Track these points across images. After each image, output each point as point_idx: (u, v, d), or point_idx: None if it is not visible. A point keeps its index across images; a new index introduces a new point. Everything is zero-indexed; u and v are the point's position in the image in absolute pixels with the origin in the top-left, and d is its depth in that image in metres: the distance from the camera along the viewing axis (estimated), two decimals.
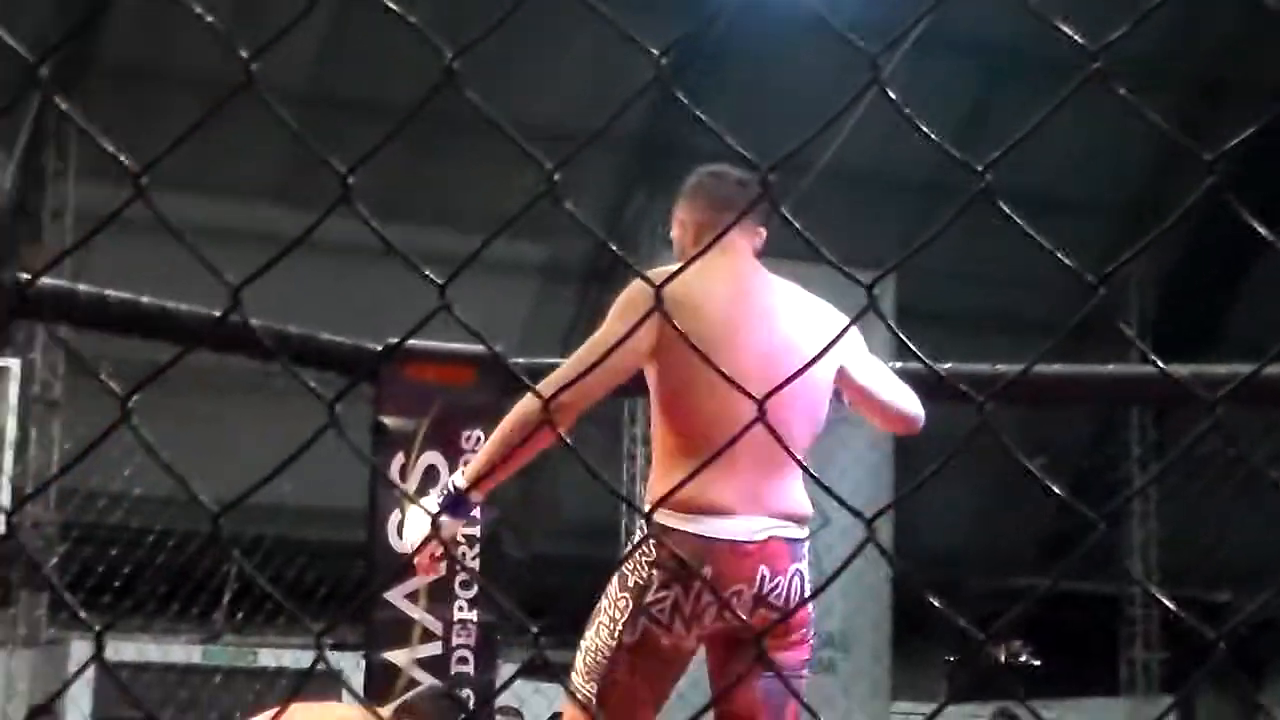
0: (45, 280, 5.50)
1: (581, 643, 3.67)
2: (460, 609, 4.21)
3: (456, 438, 5.56)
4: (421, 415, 5.58)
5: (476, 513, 4.22)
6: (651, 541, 3.52)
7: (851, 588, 13.09)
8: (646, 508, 3.71)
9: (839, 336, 1.86)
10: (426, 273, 1.38)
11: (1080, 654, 15.66)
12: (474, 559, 5.48)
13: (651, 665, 3.55)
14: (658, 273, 3.62)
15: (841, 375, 3.87)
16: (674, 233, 4.02)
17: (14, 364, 12.22)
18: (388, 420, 5.69)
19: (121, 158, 1.66)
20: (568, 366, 3.57)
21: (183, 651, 12.13)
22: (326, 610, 10.47)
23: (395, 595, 5.50)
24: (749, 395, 1.63)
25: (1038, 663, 16.22)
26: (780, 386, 1.89)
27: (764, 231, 4.01)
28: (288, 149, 12.88)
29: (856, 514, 1.44)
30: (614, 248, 1.73)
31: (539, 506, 13.35)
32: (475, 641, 5.64)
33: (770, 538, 3.55)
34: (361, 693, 5.46)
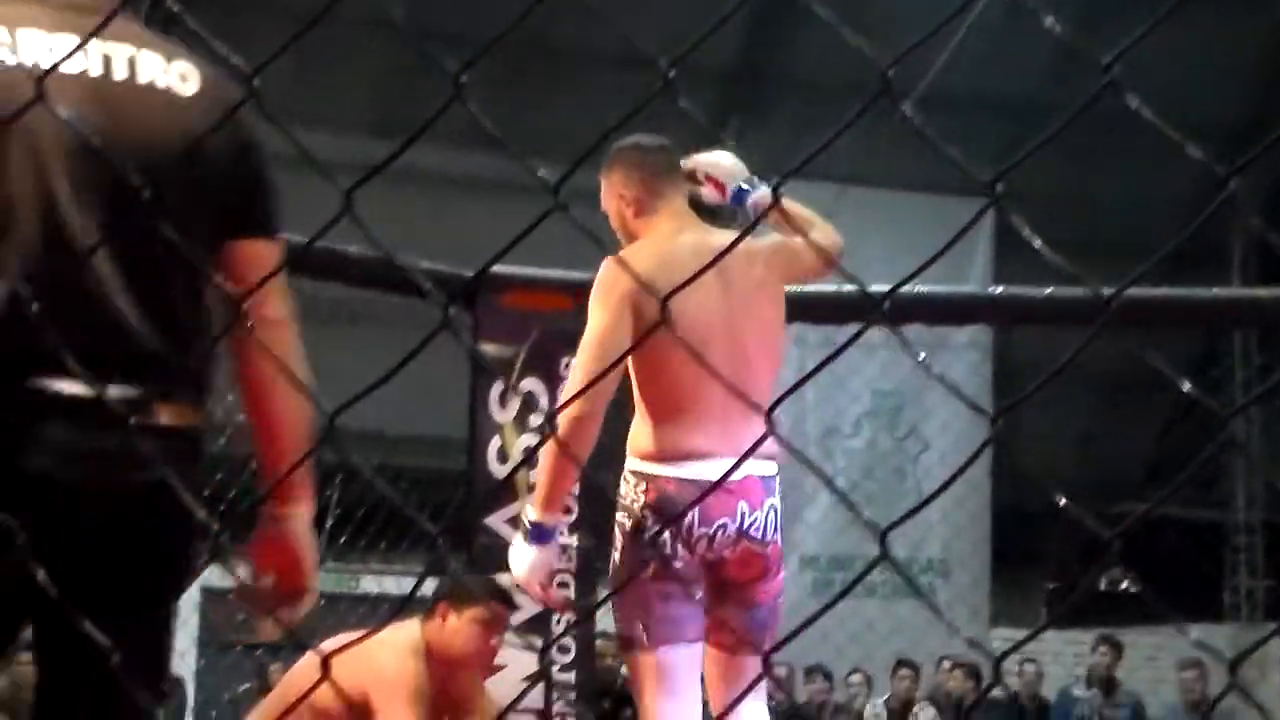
0: None
1: (611, 600, 4.06)
2: (560, 534, 4.24)
3: (555, 364, 5.58)
4: (520, 342, 5.60)
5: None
6: (641, 487, 3.81)
7: (951, 513, 13.06)
8: (629, 457, 3.90)
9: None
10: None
11: (1183, 581, 15.56)
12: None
13: (675, 589, 3.79)
14: (627, 254, 3.93)
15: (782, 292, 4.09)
16: (610, 207, 4.15)
17: None
18: (487, 347, 5.72)
19: (233, 59, 1.67)
20: (579, 377, 3.87)
21: None
22: (427, 538, 10.54)
23: (496, 520, 5.54)
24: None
25: (1140, 589, 16.12)
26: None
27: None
28: (384, 82, 12.92)
29: (872, 525, 1.45)
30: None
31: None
32: (576, 566, 5.68)
33: (747, 476, 3.81)
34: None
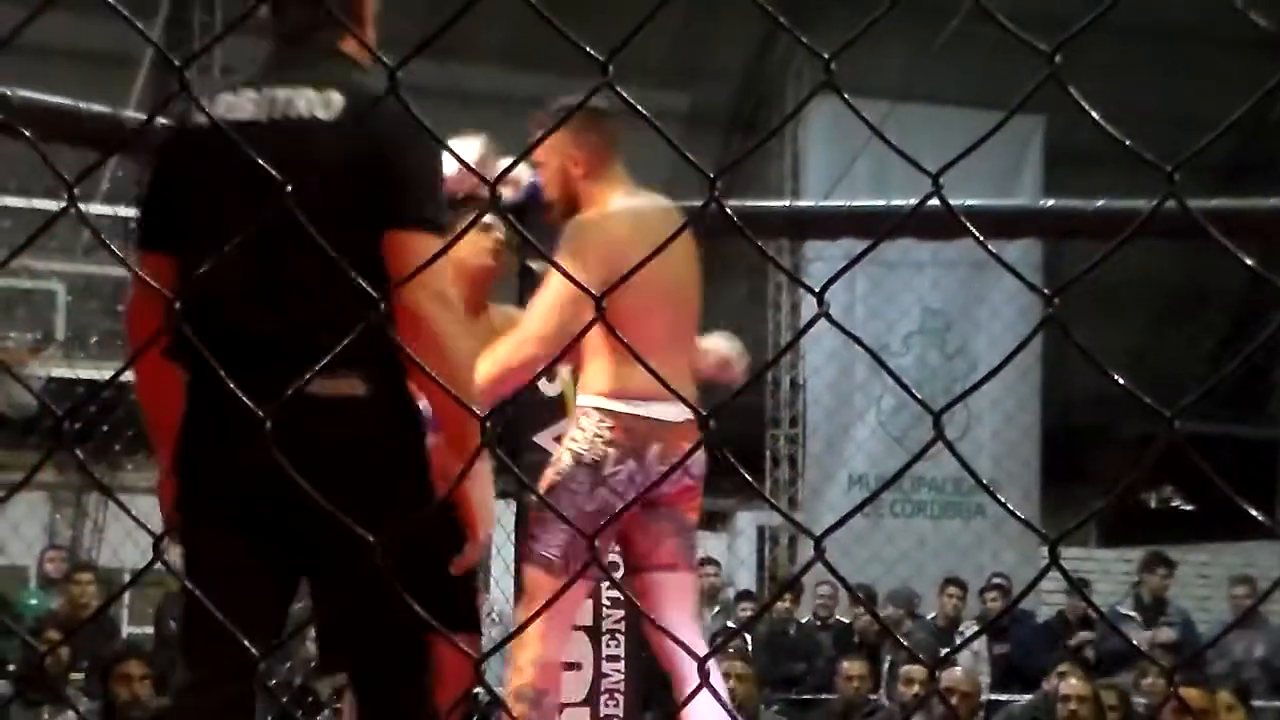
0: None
1: (535, 515, 4.33)
2: None
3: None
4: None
5: None
6: (607, 423, 4.10)
7: (1002, 430, 13.04)
8: (582, 395, 4.23)
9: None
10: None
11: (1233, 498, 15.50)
12: None
13: (607, 531, 4.04)
14: (597, 215, 4.15)
15: None
16: (551, 163, 4.32)
17: None
18: (535, 265, 5.72)
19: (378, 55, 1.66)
20: (548, 316, 4.03)
21: None
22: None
23: (544, 438, 5.55)
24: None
25: (1190, 507, 16.10)
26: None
27: None
28: (515, 12, 12.86)
29: (806, 532, 1.46)
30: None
31: None
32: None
33: (687, 417, 4.12)
34: (513, 536, 5.54)
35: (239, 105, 2.82)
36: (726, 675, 7.37)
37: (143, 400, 3.01)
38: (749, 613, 11.26)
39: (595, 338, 4.14)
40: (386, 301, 2.58)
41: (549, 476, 4.18)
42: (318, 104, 2.81)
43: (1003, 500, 1.59)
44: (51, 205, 10.52)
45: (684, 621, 4.29)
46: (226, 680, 2.75)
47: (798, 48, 14.75)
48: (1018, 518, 1.41)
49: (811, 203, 10.73)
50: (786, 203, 10.98)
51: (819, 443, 14.49)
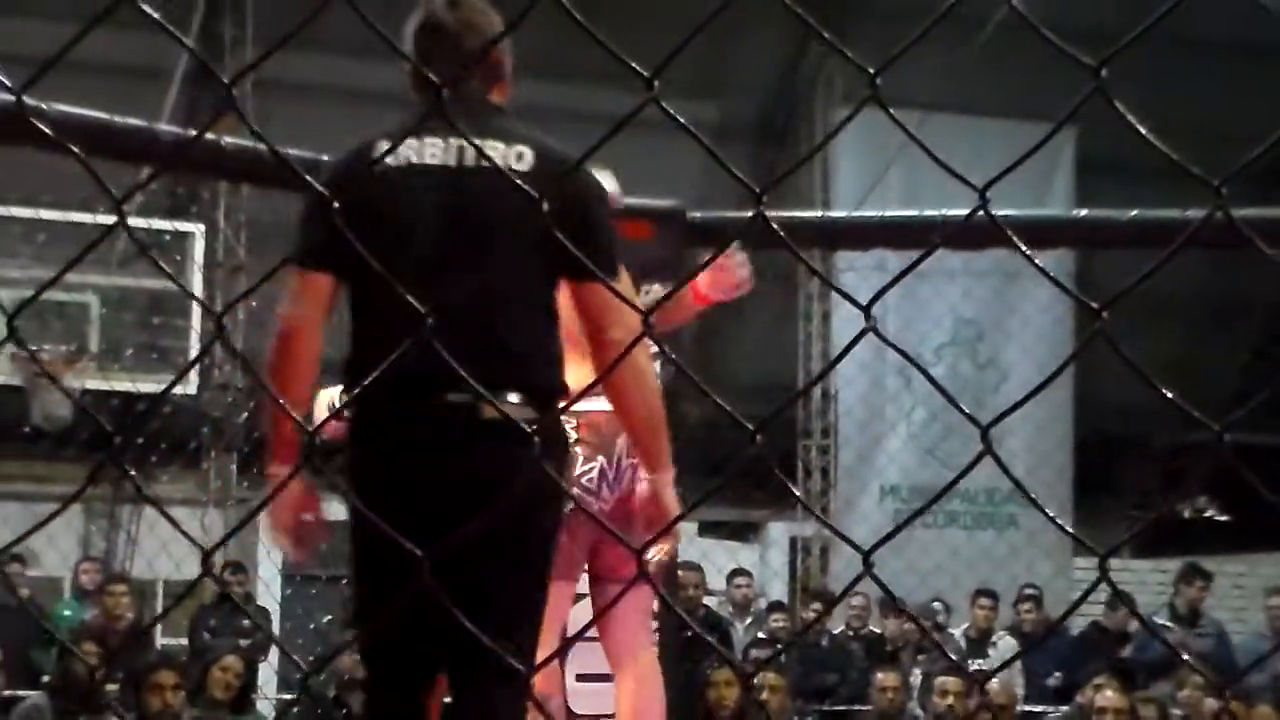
0: (229, 140, 5.55)
1: None
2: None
3: (635, 290, 5.55)
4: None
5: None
6: (572, 422, 4.04)
7: (1035, 441, 13.00)
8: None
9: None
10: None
11: (1270, 508, 15.40)
12: None
13: (583, 531, 4.04)
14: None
15: None
16: None
17: (198, 229, 12.50)
18: None
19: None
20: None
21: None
22: None
23: None
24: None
25: (1225, 518, 16.01)
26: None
27: None
28: (543, 22, 12.87)
29: (855, 546, 1.48)
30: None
31: (713, 367, 13.37)
32: None
33: None
34: None
35: (425, 150, 3.12)
36: (760, 686, 7.35)
37: (281, 403, 3.24)
38: (780, 624, 11.25)
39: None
40: (554, 336, 3.15)
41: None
42: (511, 157, 3.12)
43: (1052, 515, 1.59)
44: (86, 218, 10.56)
45: (643, 628, 4.36)
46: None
47: (827, 58, 14.74)
48: (1067, 532, 1.41)
49: (843, 213, 10.72)
50: (819, 213, 10.96)
51: (851, 454, 14.46)
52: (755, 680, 7.22)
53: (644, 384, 3.28)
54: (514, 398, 3.06)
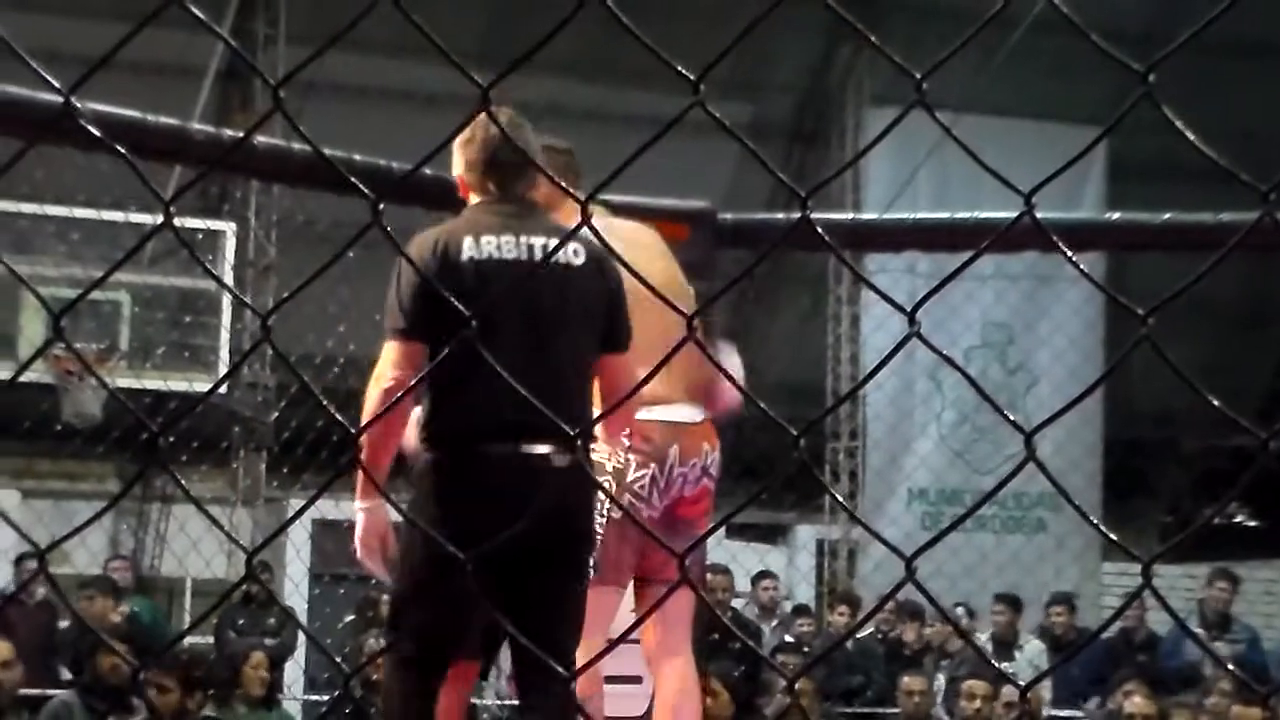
0: (261, 139, 5.56)
1: None
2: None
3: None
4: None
5: None
6: (625, 431, 4.19)
7: (1066, 445, 12.96)
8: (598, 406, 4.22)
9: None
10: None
11: None
12: None
13: (633, 535, 4.19)
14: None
15: None
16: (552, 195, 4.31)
17: (229, 228, 12.54)
18: None
19: None
20: None
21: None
22: None
23: None
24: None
25: (1255, 523, 15.96)
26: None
27: None
28: (490, 12, 12.91)
29: (897, 552, 1.47)
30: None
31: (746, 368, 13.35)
32: None
33: (704, 419, 4.35)
34: None
35: (502, 246, 3.85)
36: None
37: (382, 449, 3.87)
38: (806, 628, 11.24)
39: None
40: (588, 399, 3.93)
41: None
42: (569, 253, 3.90)
43: (1096, 523, 1.58)
44: (119, 216, 10.60)
45: (685, 630, 4.48)
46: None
47: (858, 59, 14.72)
48: (1111, 539, 1.40)
49: (875, 215, 10.70)
50: (850, 215, 10.95)
51: (879, 457, 14.43)
52: (783, 683, 7.21)
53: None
54: (564, 447, 3.74)
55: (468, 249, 3.85)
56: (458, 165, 4.02)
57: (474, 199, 4.00)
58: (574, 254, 3.91)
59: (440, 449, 3.84)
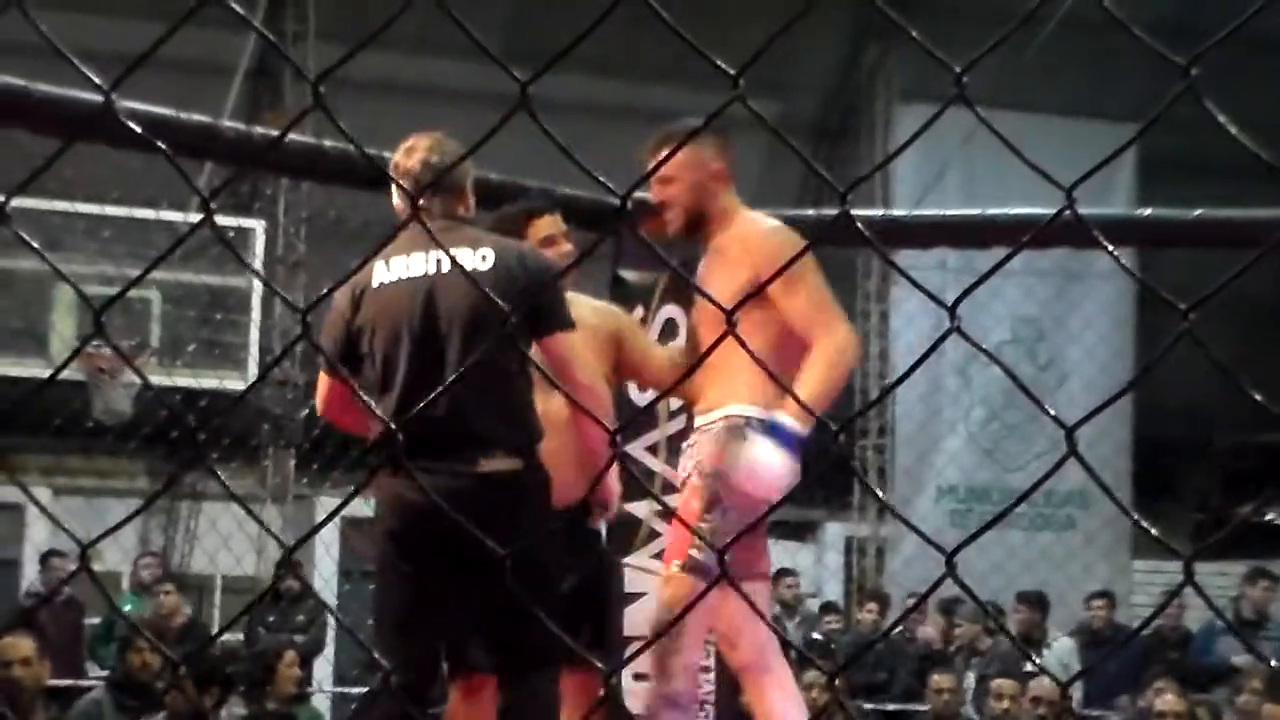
0: (292, 136, 5.58)
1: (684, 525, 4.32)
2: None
3: (693, 291, 5.55)
4: (660, 269, 5.57)
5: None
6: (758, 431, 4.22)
7: (1095, 443, 12.91)
8: (734, 404, 4.34)
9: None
10: None
11: None
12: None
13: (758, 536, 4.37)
14: (780, 226, 4.42)
15: None
16: (688, 176, 4.36)
17: (259, 225, 12.57)
18: (626, 274, 5.71)
19: None
20: (829, 305, 4.33)
21: None
22: None
23: (636, 448, 5.55)
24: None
25: None
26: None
27: None
28: (512, 9, 12.92)
29: (938, 548, 1.47)
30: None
31: None
32: None
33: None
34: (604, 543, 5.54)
35: (410, 265, 4.02)
36: (811, 685, 7.34)
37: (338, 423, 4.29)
38: (834, 625, 11.24)
39: (759, 350, 4.19)
40: (525, 391, 4.07)
41: (710, 488, 4.22)
42: (475, 259, 4.01)
43: (1136, 516, 1.57)
44: (149, 214, 10.63)
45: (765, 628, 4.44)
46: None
47: (887, 55, 14.69)
48: (1152, 534, 1.40)
49: (904, 211, 10.67)
50: (880, 211, 10.93)
51: (909, 454, 14.40)
52: (808, 679, 7.20)
53: (602, 412, 4.14)
54: (502, 454, 3.94)
55: (378, 275, 4.04)
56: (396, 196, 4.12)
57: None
58: (482, 259, 4.03)
59: (376, 472, 4.06)
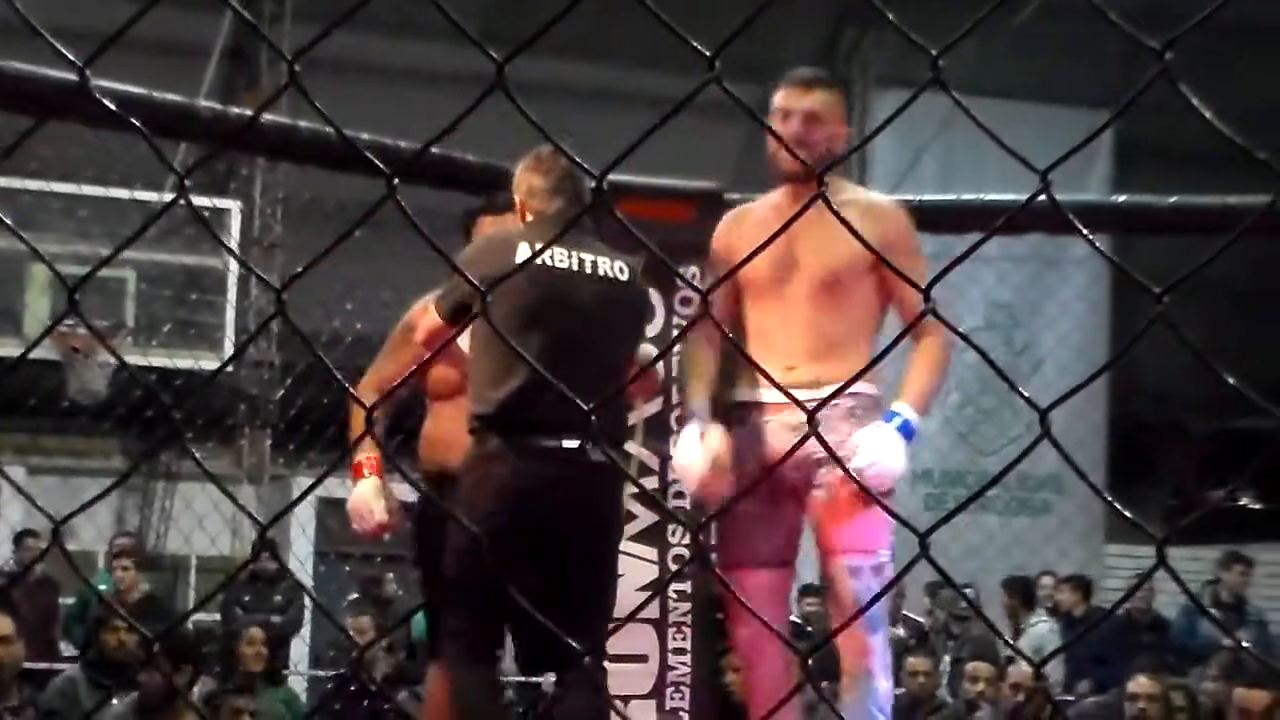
0: (268, 117, 5.56)
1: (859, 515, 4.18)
2: (676, 443, 4.25)
3: (672, 274, 5.55)
4: (638, 252, 5.56)
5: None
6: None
7: (1071, 426, 12.94)
8: (866, 383, 4.22)
9: None
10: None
11: None
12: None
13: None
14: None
15: None
16: (834, 130, 4.28)
17: (235, 206, 12.54)
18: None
19: None
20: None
21: (400, 488, 12.37)
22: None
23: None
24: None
25: (1260, 506, 15.94)
26: None
27: None
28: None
29: (911, 529, 1.47)
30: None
31: None
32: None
33: None
34: None
35: (556, 257, 4.19)
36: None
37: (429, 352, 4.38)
38: (812, 608, 11.25)
39: (867, 323, 4.19)
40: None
41: (875, 479, 4.04)
42: (615, 269, 4.27)
43: (1109, 498, 1.58)
44: (124, 193, 10.59)
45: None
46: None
47: (864, 41, 14.69)
48: (1127, 517, 1.40)
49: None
50: None
51: None
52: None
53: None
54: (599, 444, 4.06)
55: (522, 256, 4.12)
56: (520, 190, 4.32)
57: (529, 218, 4.31)
58: (619, 271, 4.27)
59: (498, 441, 4.09)
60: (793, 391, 3.91)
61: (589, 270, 4.22)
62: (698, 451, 4.06)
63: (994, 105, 12.91)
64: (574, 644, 3.70)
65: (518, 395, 4.01)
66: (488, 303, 3.73)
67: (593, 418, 3.72)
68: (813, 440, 3.91)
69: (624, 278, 4.26)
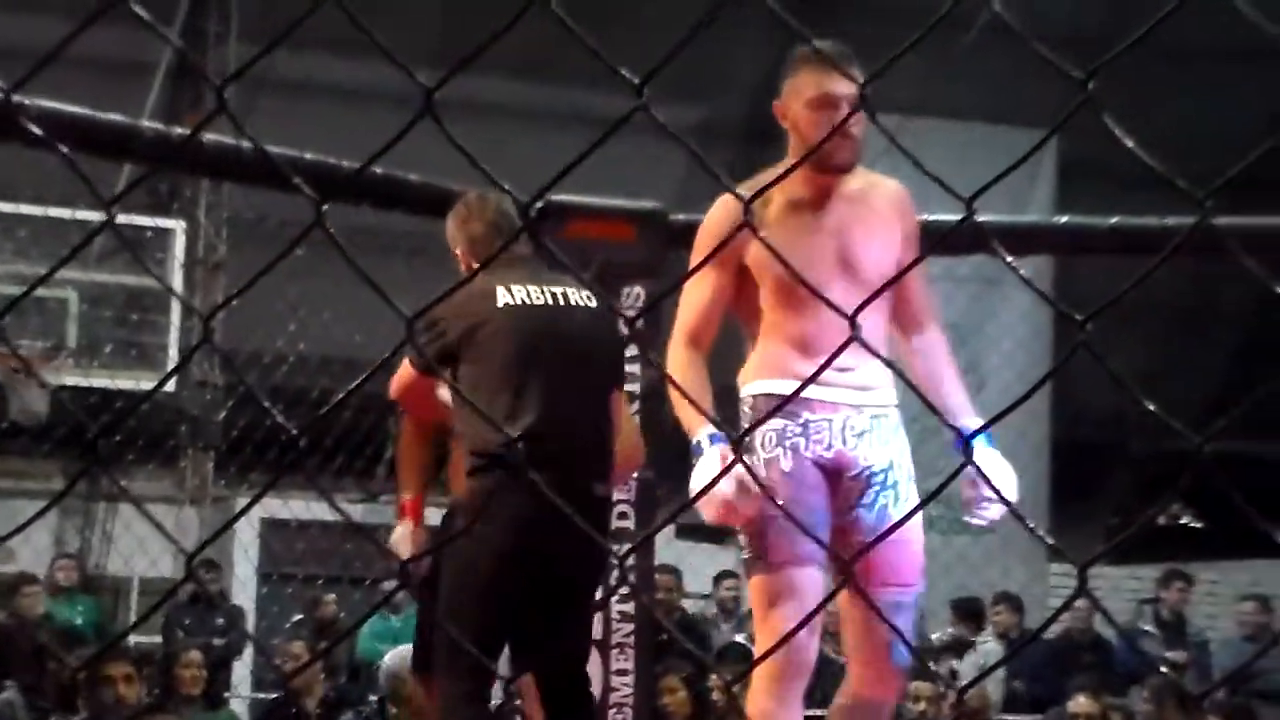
0: (210, 137, 5.55)
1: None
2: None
3: (616, 294, 5.56)
4: (582, 272, 5.58)
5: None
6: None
7: (1013, 447, 13.00)
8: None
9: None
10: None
11: (1244, 516, 15.42)
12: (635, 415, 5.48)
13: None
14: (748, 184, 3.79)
15: None
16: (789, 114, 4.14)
17: (179, 225, 12.47)
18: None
19: None
20: (685, 308, 3.89)
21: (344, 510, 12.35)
22: None
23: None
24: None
25: (1199, 525, 16.06)
26: None
27: None
28: (440, 11, 12.88)
29: (834, 554, 1.46)
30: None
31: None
32: (635, 496, 5.68)
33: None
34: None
35: (529, 294, 4.30)
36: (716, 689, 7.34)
37: (407, 452, 4.72)
38: (731, 592, 11.26)
39: (888, 318, 3.99)
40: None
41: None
42: (582, 296, 4.37)
43: (1032, 526, 1.58)
44: (66, 213, 10.52)
45: None
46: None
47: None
48: (1046, 543, 1.40)
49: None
50: None
51: None
52: (713, 681, 7.21)
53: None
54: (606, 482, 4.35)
55: (501, 297, 4.27)
56: (458, 242, 4.41)
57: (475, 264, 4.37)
58: (587, 299, 4.39)
59: (502, 475, 4.18)
60: (850, 396, 3.80)
61: (564, 302, 4.32)
62: (722, 475, 3.57)
63: (942, 125, 13.02)
64: (581, 669, 4.27)
65: (527, 433, 4.10)
66: (477, 344, 4.14)
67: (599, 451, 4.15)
68: (867, 454, 3.78)
69: (593, 304, 4.39)
